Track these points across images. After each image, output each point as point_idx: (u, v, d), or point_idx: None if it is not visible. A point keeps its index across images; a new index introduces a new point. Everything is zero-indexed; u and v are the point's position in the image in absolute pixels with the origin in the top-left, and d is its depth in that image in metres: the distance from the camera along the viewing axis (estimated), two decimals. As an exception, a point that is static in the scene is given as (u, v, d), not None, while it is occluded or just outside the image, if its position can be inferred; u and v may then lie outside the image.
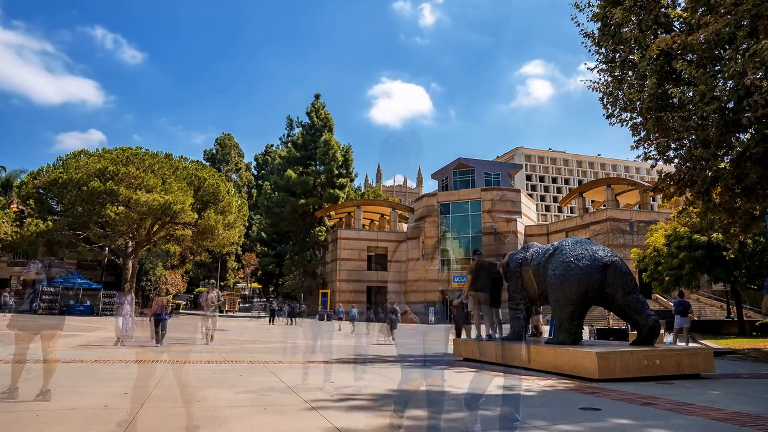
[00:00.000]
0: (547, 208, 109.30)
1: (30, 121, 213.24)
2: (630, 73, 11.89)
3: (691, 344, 14.86)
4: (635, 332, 9.76)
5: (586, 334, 16.10)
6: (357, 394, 6.35)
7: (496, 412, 5.40)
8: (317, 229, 56.89)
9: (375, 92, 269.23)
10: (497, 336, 11.34)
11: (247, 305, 66.70)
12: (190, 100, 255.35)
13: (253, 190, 78.33)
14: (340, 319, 34.84)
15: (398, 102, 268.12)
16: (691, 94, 10.31)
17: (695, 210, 13.48)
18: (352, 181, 62.37)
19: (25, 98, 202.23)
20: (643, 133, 12.16)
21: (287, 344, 16.79)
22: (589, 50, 12.64)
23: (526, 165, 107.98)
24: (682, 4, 10.91)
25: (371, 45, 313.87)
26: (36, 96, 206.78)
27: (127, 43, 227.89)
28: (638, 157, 12.48)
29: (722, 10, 9.10)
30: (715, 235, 17.77)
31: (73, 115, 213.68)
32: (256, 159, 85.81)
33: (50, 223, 38.08)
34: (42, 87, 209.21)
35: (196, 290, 64.57)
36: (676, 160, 12.15)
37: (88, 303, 40.09)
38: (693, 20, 9.81)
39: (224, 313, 47.52)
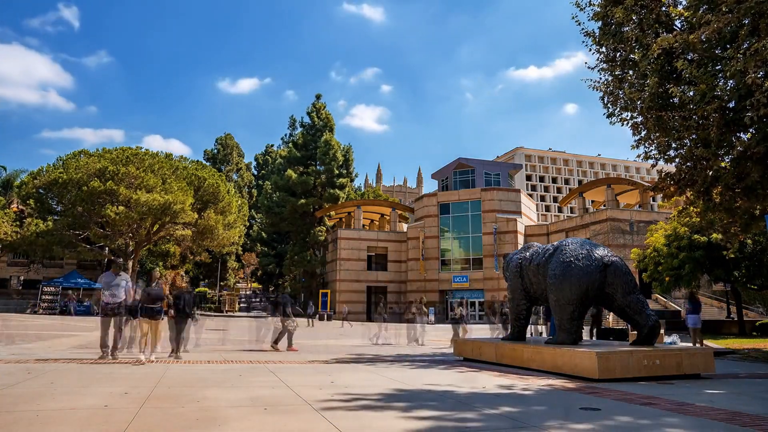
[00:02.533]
0: (547, 208, 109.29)
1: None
2: (630, 72, 11.88)
3: (691, 344, 14.85)
4: (635, 332, 9.75)
5: (585, 334, 16.09)
6: (357, 394, 6.34)
7: (498, 412, 5.39)
8: (317, 229, 56.88)
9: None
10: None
11: (247, 305, 66.67)
12: (188, 100, 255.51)
13: (253, 190, 78.33)
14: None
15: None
16: (691, 93, 10.29)
17: (695, 210, 13.47)
18: (352, 181, 62.38)
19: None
20: (643, 133, 12.15)
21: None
22: (590, 49, 12.62)
23: (526, 165, 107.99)
24: (684, 3, 10.89)
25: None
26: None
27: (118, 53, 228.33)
28: (639, 156, 12.47)
29: (724, 8, 9.08)
30: (714, 235, 17.76)
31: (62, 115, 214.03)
32: (256, 159, 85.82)
33: (50, 223, 38.09)
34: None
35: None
36: (676, 160, 12.14)
37: (88, 303, 40.09)
38: (694, 19, 9.80)
39: (224, 313, 47.50)
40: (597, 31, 12.42)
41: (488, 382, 7.86)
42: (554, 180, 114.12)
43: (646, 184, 43.48)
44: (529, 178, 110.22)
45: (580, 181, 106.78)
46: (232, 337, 19.40)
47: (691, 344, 14.49)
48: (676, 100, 10.56)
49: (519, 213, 49.63)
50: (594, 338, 15.98)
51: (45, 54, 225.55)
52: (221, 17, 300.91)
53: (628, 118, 12.28)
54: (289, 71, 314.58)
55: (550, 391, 7.04)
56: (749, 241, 21.55)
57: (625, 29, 11.45)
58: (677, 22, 10.97)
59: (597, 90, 12.64)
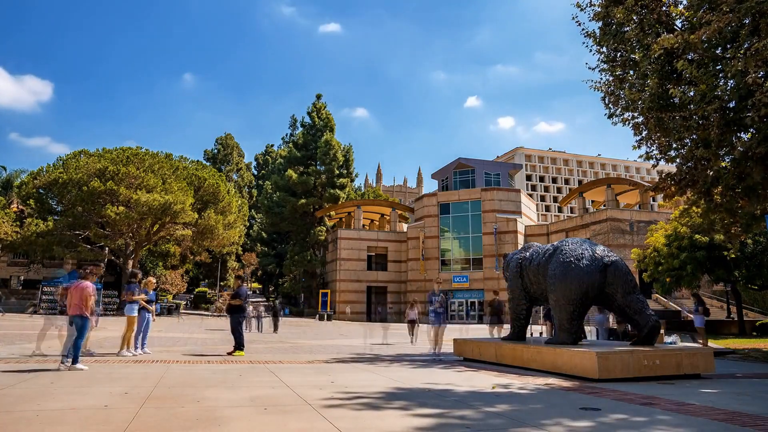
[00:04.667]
0: (547, 208, 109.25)
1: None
2: (631, 72, 11.88)
3: (692, 344, 14.86)
4: (635, 332, 9.75)
5: (593, 334, 16.03)
6: (357, 394, 6.34)
7: (496, 410, 5.39)
8: (317, 229, 56.88)
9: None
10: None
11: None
12: (187, 99, 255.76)
13: (253, 190, 78.40)
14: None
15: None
16: (692, 93, 10.29)
17: (696, 210, 13.48)
18: (352, 181, 62.39)
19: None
20: (644, 133, 12.16)
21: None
22: (590, 50, 12.63)
23: (526, 165, 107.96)
24: (684, 3, 10.89)
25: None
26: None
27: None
28: (640, 156, 12.48)
29: (724, 8, 9.08)
30: (717, 236, 17.76)
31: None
32: (256, 159, 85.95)
33: (50, 223, 38.09)
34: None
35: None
36: (677, 160, 12.14)
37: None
38: (695, 19, 9.80)
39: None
40: (597, 32, 12.42)
41: (487, 381, 7.86)
42: (554, 180, 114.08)
43: (646, 184, 43.48)
44: (529, 178, 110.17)
45: (580, 181, 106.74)
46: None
47: (692, 344, 14.50)
48: (676, 100, 10.56)
49: (519, 213, 49.62)
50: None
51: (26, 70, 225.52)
52: (205, 18, 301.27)
53: (629, 118, 12.28)
54: (288, 72, 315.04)
55: (548, 390, 7.04)
56: (749, 241, 21.56)
57: (625, 29, 11.45)
58: (678, 22, 10.96)
59: (598, 90, 12.65)
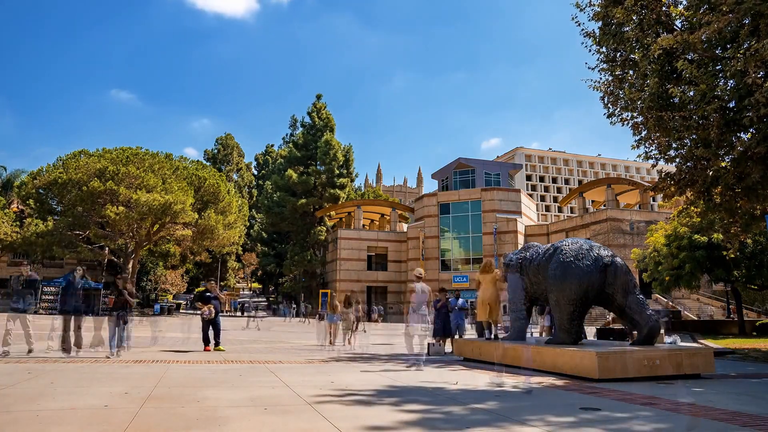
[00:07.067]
0: (547, 208, 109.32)
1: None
2: (631, 72, 11.88)
3: (693, 344, 14.86)
4: (635, 332, 9.75)
5: (592, 333, 16.04)
6: (356, 393, 6.34)
7: (484, 406, 5.39)
8: (317, 229, 56.90)
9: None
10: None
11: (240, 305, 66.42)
12: (187, 100, 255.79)
13: (253, 190, 78.41)
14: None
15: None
16: (692, 93, 10.29)
17: (696, 210, 13.48)
18: (352, 181, 62.43)
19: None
20: (644, 133, 12.15)
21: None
22: (590, 50, 12.62)
23: (526, 165, 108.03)
24: (684, 3, 10.89)
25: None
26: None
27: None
28: (639, 156, 12.48)
29: (724, 8, 9.08)
30: (716, 235, 17.76)
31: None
32: (256, 159, 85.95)
33: (50, 223, 38.11)
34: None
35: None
36: (676, 160, 12.14)
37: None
38: (695, 19, 9.80)
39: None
40: (597, 32, 12.41)
41: (482, 380, 7.90)
42: (554, 180, 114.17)
43: (646, 184, 43.48)
44: (529, 178, 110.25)
45: (580, 181, 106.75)
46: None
47: (692, 344, 14.49)
48: (676, 100, 10.56)
49: (519, 213, 49.63)
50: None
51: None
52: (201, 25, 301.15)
53: (628, 118, 12.28)
54: (289, 72, 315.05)
55: (550, 391, 7.04)
56: (749, 241, 21.54)
57: (625, 29, 11.45)
58: (677, 22, 10.96)
59: (597, 90, 12.64)
